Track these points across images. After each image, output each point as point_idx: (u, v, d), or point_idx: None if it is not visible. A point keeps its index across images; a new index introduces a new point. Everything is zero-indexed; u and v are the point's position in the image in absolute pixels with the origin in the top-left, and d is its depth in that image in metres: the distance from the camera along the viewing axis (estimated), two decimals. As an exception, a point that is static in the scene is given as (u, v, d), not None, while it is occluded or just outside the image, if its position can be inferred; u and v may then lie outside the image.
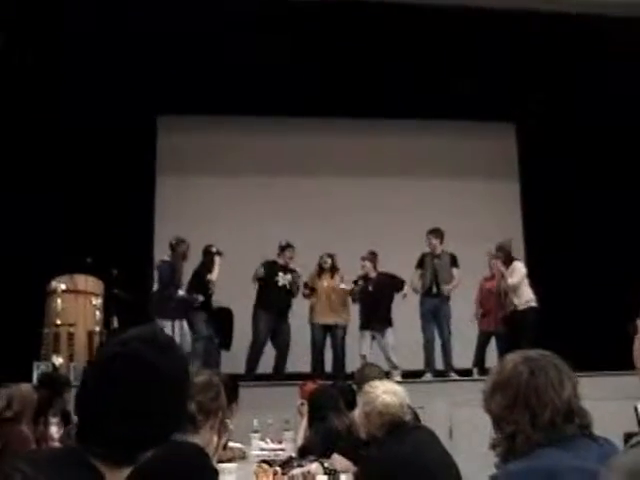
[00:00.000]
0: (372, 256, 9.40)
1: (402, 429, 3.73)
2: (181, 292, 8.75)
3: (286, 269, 9.28)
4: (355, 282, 9.34)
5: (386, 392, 3.79)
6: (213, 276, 8.94)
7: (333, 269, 9.42)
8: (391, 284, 9.28)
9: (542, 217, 11.01)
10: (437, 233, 9.35)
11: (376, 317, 9.17)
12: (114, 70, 9.62)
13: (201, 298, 8.88)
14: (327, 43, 9.69)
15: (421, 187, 11.27)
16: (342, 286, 9.34)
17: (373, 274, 9.33)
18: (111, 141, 10.05)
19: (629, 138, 10.30)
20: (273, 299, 9.16)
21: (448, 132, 11.23)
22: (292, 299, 9.30)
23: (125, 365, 1.45)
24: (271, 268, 9.25)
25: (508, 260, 9.06)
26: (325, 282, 9.37)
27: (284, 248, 9.31)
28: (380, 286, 9.25)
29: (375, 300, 9.19)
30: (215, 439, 1.75)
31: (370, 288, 9.26)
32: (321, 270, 9.42)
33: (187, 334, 8.66)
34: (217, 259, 9.05)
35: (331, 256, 9.42)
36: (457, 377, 9.12)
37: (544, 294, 9.63)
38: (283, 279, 9.22)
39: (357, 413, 3.91)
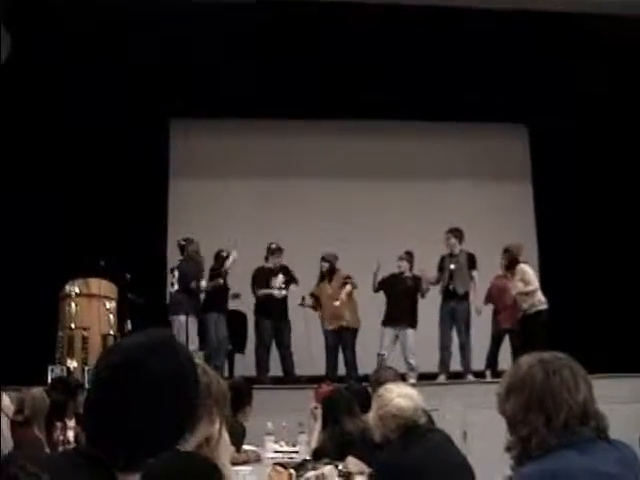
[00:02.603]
0: (409, 257, 9.38)
1: (416, 432, 3.72)
2: (204, 283, 8.85)
3: (275, 272, 9.31)
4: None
5: (400, 395, 3.77)
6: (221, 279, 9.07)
7: (331, 273, 9.42)
8: (418, 287, 9.33)
9: (555, 219, 10.96)
10: (456, 232, 9.31)
11: (400, 316, 9.18)
12: (127, 73, 9.67)
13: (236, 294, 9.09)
14: (338, 45, 9.69)
15: (434, 190, 11.24)
16: (345, 291, 9.28)
17: (409, 274, 9.33)
18: (125, 144, 10.09)
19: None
20: (271, 304, 9.21)
21: (461, 134, 11.20)
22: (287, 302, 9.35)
23: (125, 374, 1.43)
24: (263, 274, 9.30)
25: (511, 263, 9.03)
26: (327, 288, 9.38)
27: (274, 251, 9.35)
28: (410, 288, 9.28)
29: (402, 300, 9.20)
30: (215, 432, 1.72)
31: (400, 287, 9.24)
32: (322, 275, 9.43)
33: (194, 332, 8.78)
34: (231, 258, 9.12)
35: (328, 260, 9.41)
36: (472, 379, 9.10)
37: (558, 296, 9.59)
38: (276, 283, 9.25)
39: (371, 416, 3.90)
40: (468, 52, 9.81)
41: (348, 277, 9.36)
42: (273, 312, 9.21)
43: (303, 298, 9.42)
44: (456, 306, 9.24)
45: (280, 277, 9.28)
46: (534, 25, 9.32)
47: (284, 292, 9.26)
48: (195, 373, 1.54)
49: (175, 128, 11.12)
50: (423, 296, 9.34)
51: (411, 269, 9.37)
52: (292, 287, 9.41)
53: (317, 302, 9.43)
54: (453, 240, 9.30)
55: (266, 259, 9.41)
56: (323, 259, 9.42)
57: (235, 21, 9.18)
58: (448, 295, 9.27)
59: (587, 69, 9.90)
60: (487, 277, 9.59)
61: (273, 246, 9.39)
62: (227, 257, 9.14)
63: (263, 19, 9.19)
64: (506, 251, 9.11)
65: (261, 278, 9.30)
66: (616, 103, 10.07)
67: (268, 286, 9.23)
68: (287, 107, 10.62)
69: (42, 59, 9.28)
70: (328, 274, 9.41)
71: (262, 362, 9.17)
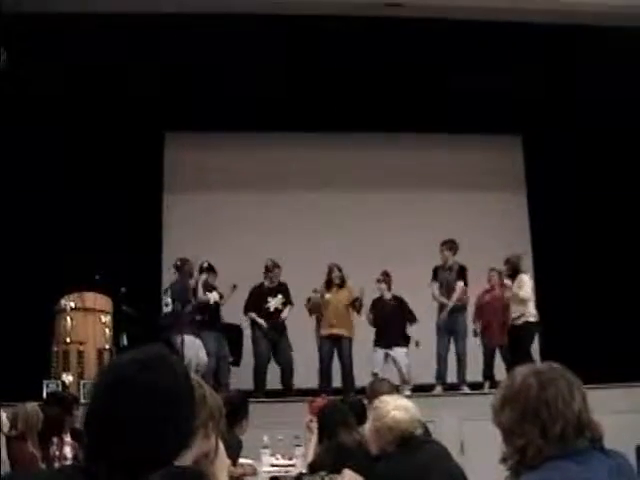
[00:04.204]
0: (386, 277, 9.41)
1: (412, 444, 3.72)
2: (190, 308, 8.81)
3: (274, 291, 9.27)
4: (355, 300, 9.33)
5: (397, 408, 3.78)
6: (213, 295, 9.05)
7: (342, 282, 9.42)
8: (403, 310, 9.32)
9: (550, 229, 10.99)
10: (449, 244, 9.37)
11: (390, 337, 9.20)
12: (121, 86, 9.68)
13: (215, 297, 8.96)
14: (333, 58, 9.72)
15: (429, 201, 11.26)
16: (356, 295, 9.29)
17: (388, 296, 9.35)
18: (119, 157, 10.10)
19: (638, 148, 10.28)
20: (267, 325, 9.16)
21: (455, 146, 11.22)
22: (286, 319, 9.29)
23: (121, 391, 1.44)
24: (258, 295, 9.24)
25: (514, 273, 9.07)
26: (333, 294, 9.36)
27: (271, 269, 9.30)
28: (394, 309, 9.29)
29: (388, 322, 9.21)
30: (212, 446, 1.72)
31: (384, 310, 9.27)
32: (330, 283, 9.40)
33: (201, 349, 8.70)
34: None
35: (340, 269, 9.41)
36: (468, 391, 9.09)
37: (553, 306, 9.61)
38: (273, 303, 9.21)
39: (367, 428, 3.90)
40: (463, 63, 9.84)
41: (358, 299, 9.33)
42: (269, 329, 9.17)
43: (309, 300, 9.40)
44: (453, 318, 9.25)
45: (278, 297, 9.24)
46: (529, 37, 9.35)
47: (278, 303, 9.20)
48: (191, 387, 1.55)
49: (169, 141, 11.13)
50: (411, 323, 9.35)
51: (389, 289, 9.39)
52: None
53: (318, 309, 9.39)
54: (446, 253, 9.35)
55: (265, 276, 9.38)
56: (338, 269, 9.37)
57: (230, 34, 9.20)
58: (443, 306, 9.29)
59: (583, 80, 9.95)
60: (482, 287, 9.62)
61: (269, 263, 9.33)
62: (208, 269, 9.10)
63: (258, 32, 9.21)
64: (507, 261, 9.16)
65: (256, 298, 9.25)
66: (611, 114, 10.10)
67: (262, 308, 9.18)
68: (282, 120, 10.64)
69: (36, 70, 9.25)
70: (339, 284, 9.39)
71: (259, 379, 9.13)
